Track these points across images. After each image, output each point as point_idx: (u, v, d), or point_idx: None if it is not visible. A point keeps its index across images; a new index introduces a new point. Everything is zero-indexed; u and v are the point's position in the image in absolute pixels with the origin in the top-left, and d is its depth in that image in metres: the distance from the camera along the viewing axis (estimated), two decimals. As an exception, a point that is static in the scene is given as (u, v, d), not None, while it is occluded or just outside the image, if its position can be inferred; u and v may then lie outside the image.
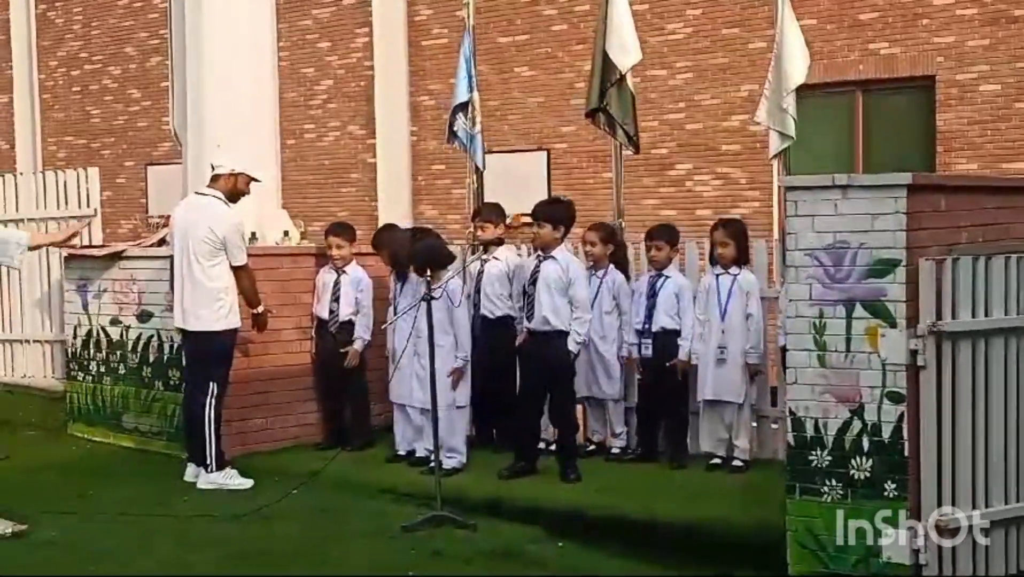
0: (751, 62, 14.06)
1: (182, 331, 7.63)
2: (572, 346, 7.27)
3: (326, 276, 8.49)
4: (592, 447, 8.08)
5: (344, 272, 8.41)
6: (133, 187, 20.30)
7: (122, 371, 8.96)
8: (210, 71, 8.97)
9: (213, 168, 7.67)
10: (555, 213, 7.43)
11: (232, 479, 7.48)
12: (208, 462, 7.44)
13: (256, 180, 7.75)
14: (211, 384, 7.45)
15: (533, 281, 7.35)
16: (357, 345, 8.33)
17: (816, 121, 13.20)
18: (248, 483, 7.48)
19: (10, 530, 6.28)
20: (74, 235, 8.41)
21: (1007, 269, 5.44)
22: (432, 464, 6.99)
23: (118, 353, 8.99)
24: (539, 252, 7.43)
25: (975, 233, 5.69)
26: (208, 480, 7.46)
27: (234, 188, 7.59)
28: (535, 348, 7.36)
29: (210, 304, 7.43)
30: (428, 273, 7.02)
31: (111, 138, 20.66)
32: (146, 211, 19.84)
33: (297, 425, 8.66)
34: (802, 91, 8.38)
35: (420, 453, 7.79)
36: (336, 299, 8.38)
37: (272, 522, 6.71)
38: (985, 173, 12.32)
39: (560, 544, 6.31)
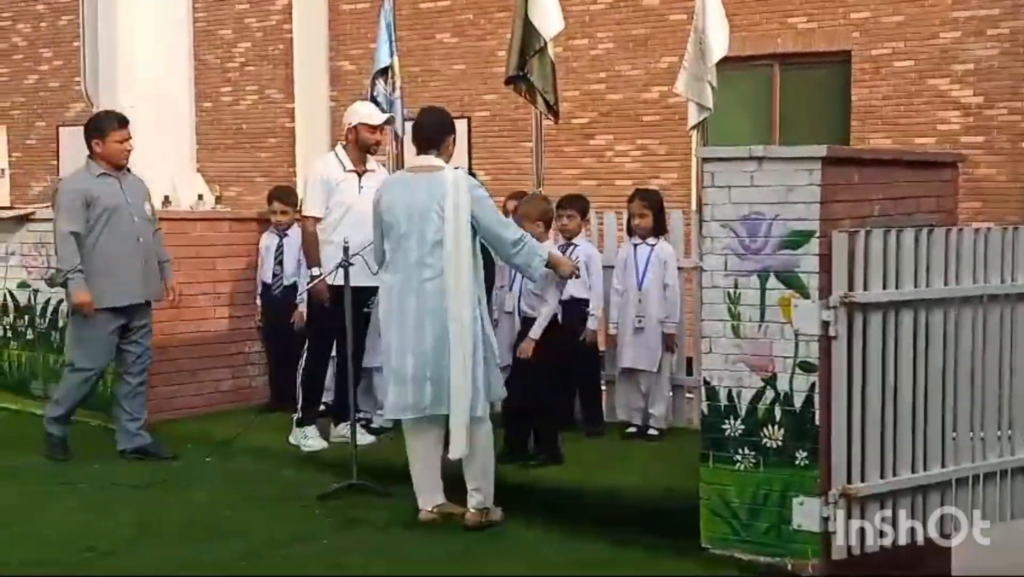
0: (671, 33, 14.10)
1: None
2: None
3: (268, 240, 8.47)
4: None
5: (286, 235, 8.35)
6: (44, 148, 19.81)
7: (30, 336, 8.77)
8: (122, 31, 8.79)
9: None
10: None
11: (305, 439, 7.43)
12: (295, 417, 7.51)
13: (375, 126, 7.53)
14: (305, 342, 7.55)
15: None
16: (303, 307, 8.20)
17: (735, 94, 13.29)
18: (320, 444, 7.39)
19: None
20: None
21: (917, 243, 5.53)
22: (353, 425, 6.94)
23: (26, 318, 8.79)
24: None
25: (887, 207, 5.77)
26: (292, 435, 7.52)
27: (357, 140, 7.50)
28: None
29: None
30: None
31: (21, 98, 20.12)
32: (58, 173, 19.41)
33: (217, 392, 8.58)
34: (721, 63, 8.44)
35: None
36: (279, 262, 8.35)
37: (184, 490, 6.64)
38: (897, 148, 12.52)
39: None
